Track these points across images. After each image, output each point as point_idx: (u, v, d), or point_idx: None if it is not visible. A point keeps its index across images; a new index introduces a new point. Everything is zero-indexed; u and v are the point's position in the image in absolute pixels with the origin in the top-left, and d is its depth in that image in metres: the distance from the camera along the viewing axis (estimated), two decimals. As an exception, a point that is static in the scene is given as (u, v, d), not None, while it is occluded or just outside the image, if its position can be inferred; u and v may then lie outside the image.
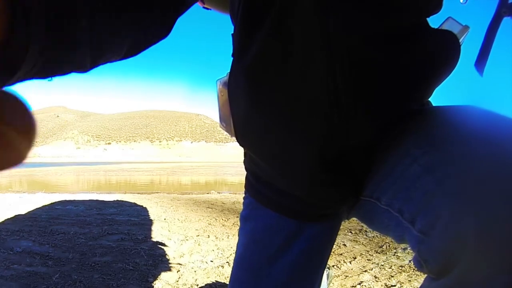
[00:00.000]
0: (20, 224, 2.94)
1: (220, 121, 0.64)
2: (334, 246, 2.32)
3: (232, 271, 0.62)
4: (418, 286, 1.57)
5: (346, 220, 0.60)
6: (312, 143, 0.46)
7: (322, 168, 0.47)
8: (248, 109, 0.50)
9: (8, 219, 3.16)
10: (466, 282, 0.32)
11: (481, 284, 0.30)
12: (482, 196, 0.30)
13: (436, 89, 0.50)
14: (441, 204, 0.33)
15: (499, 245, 0.29)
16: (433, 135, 0.39)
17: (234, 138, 0.59)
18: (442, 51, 0.46)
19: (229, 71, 0.53)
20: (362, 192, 0.49)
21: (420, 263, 0.38)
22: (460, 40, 0.49)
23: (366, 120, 0.44)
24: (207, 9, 0.87)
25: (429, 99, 0.52)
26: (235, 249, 1.95)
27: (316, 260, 0.57)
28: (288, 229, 0.55)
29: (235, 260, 0.62)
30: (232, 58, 0.52)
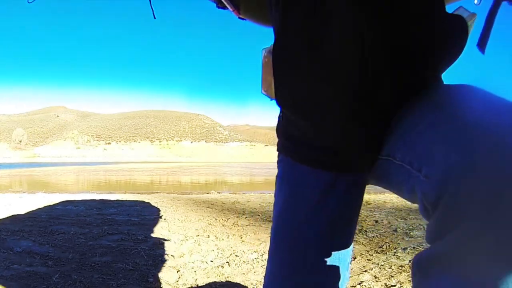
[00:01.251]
0: (20, 224, 2.94)
1: (262, 86, 0.71)
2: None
3: (272, 229, 0.68)
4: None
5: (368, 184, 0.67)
6: (344, 100, 0.55)
7: (351, 121, 0.56)
8: (289, 75, 0.60)
9: (8, 219, 3.16)
10: (454, 204, 0.39)
11: (464, 204, 0.38)
12: (469, 140, 0.39)
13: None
14: (440, 149, 0.41)
15: (479, 174, 0.36)
16: (439, 102, 0.49)
17: (271, 97, 0.66)
18: (453, 30, 0.56)
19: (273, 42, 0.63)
20: (381, 153, 0.56)
21: (424, 207, 0.43)
22: (469, 24, 0.58)
23: (389, 83, 0.54)
24: (242, 19, 0.96)
25: (442, 77, 0.61)
26: (235, 249, 1.96)
27: (351, 212, 0.64)
28: (324, 181, 0.61)
29: (275, 217, 0.67)
30: (274, 34, 0.63)
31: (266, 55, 0.68)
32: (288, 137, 0.67)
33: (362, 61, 0.51)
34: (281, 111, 0.69)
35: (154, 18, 1.02)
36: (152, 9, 1.02)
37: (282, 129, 0.68)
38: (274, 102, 0.66)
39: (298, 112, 0.61)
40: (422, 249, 2.11)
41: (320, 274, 0.63)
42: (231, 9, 0.91)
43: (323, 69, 0.54)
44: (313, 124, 0.60)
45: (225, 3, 0.87)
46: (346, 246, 0.65)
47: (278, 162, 0.71)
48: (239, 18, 0.94)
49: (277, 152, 0.71)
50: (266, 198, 5.22)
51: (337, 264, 0.64)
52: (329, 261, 0.63)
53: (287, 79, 0.60)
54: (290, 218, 0.64)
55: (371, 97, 0.53)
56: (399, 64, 0.53)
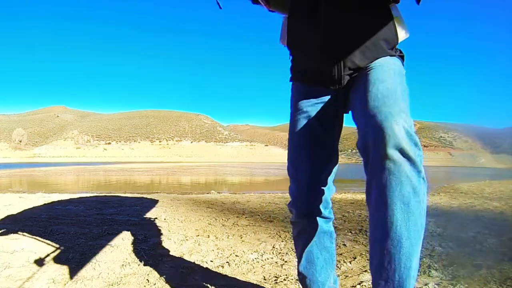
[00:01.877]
0: (20, 224, 2.94)
1: (280, 38, 1.19)
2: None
3: (288, 142, 1.12)
4: (418, 286, 1.57)
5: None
6: (318, 43, 1.01)
7: (323, 53, 1.01)
8: (293, 31, 1.11)
9: (8, 219, 3.16)
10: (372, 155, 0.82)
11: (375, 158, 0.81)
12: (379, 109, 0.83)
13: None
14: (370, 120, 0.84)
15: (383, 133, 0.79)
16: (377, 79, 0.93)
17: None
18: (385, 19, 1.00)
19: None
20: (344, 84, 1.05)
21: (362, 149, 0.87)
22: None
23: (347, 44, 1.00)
24: (272, 11, 1.26)
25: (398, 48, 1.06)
26: (235, 249, 1.96)
27: (334, 121, 1.09)
28: (314, 93, 1.08)
29: (289, 133, 1.12)
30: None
31: (284, 20, 1.18)
32: (295, 69, 1.15)
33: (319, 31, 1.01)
34: (290, 55, 1.16)
35: (220, 8, 1.19)
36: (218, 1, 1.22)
37: (293, 65, 1.16)
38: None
39: (299, 52, 1.11)
40: (422, 249, 2.09)
41: (323, 167, 1.09)
42: (263, 4, 1.20)
43: (307, 31, 1.05)
44: (308, 58, 1.08)
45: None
46: (330, 156, 1.09)
47: (291, 90, 1.17)
48: (269, 11, 1.23)
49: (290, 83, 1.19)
50: (266, 198, 5.22)
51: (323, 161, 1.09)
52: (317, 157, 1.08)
53: (293, 32, 1.11)
54: (299, 131, 1.08)
55: (329, 44, 1.00)
56: (351, 39, 1.00)
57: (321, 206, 1.08)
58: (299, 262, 1.13)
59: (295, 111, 1.10)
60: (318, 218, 1.09)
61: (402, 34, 1.01)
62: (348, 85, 1.01)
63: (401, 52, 1.05)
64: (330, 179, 1.09)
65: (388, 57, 0.99)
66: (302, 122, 1.07)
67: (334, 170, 1.10)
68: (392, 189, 0.77)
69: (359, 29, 0.97)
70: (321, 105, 1.06)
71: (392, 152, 0.76)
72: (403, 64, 1.03)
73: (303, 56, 1.09)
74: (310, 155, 1.05)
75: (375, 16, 0.98)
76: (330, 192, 1.11)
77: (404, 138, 0.76)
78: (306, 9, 1.03)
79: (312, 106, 1.06)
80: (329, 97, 1.05)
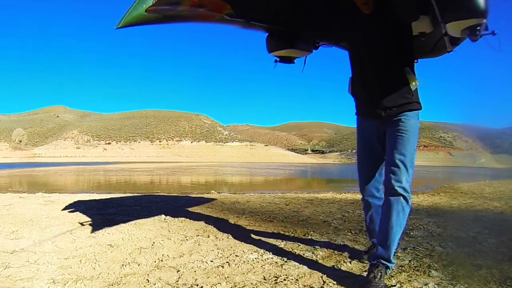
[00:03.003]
0: (20, 224, 2.94)
1: (348, 89, 1.85)
2: (334, 246, 2.31)
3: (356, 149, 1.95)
4: (418, 286, 1.57)
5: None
6: (368, 95, 1.79)
7: (371, 101, 1.76)
8: (353, 82, 1.86)
9: (8, 219, 3.16)
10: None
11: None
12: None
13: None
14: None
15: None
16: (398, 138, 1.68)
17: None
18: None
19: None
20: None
21: None
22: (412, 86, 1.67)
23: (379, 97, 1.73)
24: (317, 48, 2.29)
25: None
26: (235, 249, 1.96)
27: (382, 141, 1.76)
28: (368, 122, 1.81)
29: (356, 144, 1.94)
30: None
31: (349, 79, 1.87)
32: (356, 107, 1.84)
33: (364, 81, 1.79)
34: (354, 100, 1.86)
35: (302, 71, 2.09)
36: (304, 64, 2.19)
37: (355, 105, 1.84)
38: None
39: (356, 98, 1.85)
40: (422, 249, 2.11)
41: (376, 168, 1.82)
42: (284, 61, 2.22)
43: (359, 82, 1.80)
44: (360, 102, 1.84)
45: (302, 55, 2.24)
46: (379, 160, 1.81)
47: (356, 119, 1.88)
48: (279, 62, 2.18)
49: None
50: (266, 198, 5.22)
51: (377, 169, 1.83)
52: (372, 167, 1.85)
53: (353, 85, 1.84)
54: (362, 147, 1.87)
55: (378, 95, 1.71)
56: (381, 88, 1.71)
57: (374, 191, 1.86)
58: (365, 221, 1.98)
59: (359, 132, 1.89)
60: (373, 198, 1.87)
61: (413, 84, 1.64)
62: (386, 118, 1.70)
63: (417, 93, 1.68)
64: (379, 173, 1.83)
65: (411, 115, 1.66)
66: (361, 138, 1.88)
67: (381, 166, 1.80)
68: (393, 207, 1.64)
69: (386, 87, 1.69)
70: (371, 128, 1.80)
71: (397, 193, 1.63)
72: (419, 109, 1.70)
73: (359, 102, 1.86)
74: (367, 160, 1.86)
75: (395, 77, 1.67)
76: (380, 181, 1.83)
77: (403, 192, 1.62)
78: (358, 76, 1.82)
79: (366, 128, 1.84)
80: (375, 124, 1.78)
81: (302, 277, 1.75)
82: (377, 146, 1.78)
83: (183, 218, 3.27)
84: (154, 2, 1.50)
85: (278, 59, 2.23)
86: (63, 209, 3.80)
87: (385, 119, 1.69)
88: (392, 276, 1.75)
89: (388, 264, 1.64)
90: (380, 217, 1.71)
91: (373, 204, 1.87)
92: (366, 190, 1.86)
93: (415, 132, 1.65)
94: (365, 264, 1.93)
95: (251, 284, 1.67)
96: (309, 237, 2.56)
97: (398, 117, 1.64)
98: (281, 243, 2.38)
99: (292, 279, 1.71)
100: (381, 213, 1.70)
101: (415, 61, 1.88)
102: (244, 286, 1.64)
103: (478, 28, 1.43)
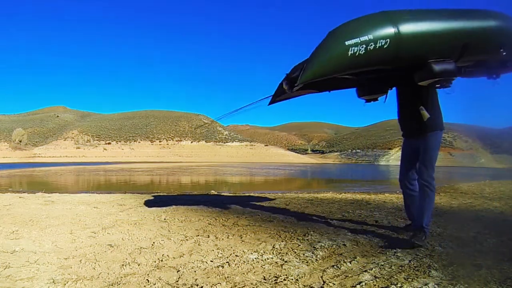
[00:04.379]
0: (20, 224, 2.94)
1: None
2: (334, 246, 2.31)
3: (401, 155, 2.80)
4: (418, 286, 1.57)
5: None
6: (404, 124, 2.69)
7: (408, 128, 2.67)
8: (398, 113, 2.74)
9: (8, 219, 3.16)
10: None
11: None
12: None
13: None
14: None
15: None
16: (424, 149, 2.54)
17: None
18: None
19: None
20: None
21: None
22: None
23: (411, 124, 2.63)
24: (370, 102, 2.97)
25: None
26: (235, 249, 1.97)
27: (417, 153, 2.54)
28: (410, 142, 2.65)
29: (401, 152, 2.82)
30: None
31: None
32: (401, 130, 2.72)
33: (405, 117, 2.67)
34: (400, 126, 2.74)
35: (384, 102, 2.85)
36: (386, 97, 2.83)
37: (401, 130, 2.71)
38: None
39: (400, 123, 2.71)
40: (422, 249, 2.10)
41: (410, 169, 2.66)
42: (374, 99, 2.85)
43: (400, 116, 2.69)
44: (402, 126, 2.70)
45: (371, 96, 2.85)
46: (415, 161, 2.59)
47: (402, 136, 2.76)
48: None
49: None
50: (266, 198, 5.22)
51: (413, 169, 2.62)
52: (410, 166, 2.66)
53: (398, 115, 2.71)
54: (403, 155, 2.74)
55: (409, 124, 2.63)
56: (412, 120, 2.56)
57: (407, 182, 2.63)
58: (405, 203, 2.76)
59: (403, 147, 2.73)
60: (410, 187, 2.63)
61: (426, 116, 2.39)
62: (417, 137, 2.51)
63: (436, 118, 2.45)
64: (412, 172, 2.60)
65: (430, 134, 2.45)
66: (404, 147, 2.69)
67: (416, 165, 2.54)
68: (422, 194, 2.47)
69: (414, 117, 2.46)
70: (410, 143, 2.61)
71: (424, 183, 2.44)
72: (441, 130, 2.50)
73: (402, 126, 2.67)
74: (406, 161, 2.66)
75: (415, 113, 2.45)
76: (415, 175, 2.56)
77: (427, 184, 2.43)
78: (398, 107, 2.65)
79: (408, 143, 2.65)
80: (414, 140, 2.55)
81: (302, 277, 1.75)
82: (411, 153, 2.61)
83: (183, 218, 3.27)
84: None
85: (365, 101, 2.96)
86: (63, 209, 3.80)
87: (416, 138, 2.53)
88: (392, 276, 1.75)
89: (423, 228, 2.37)
90: (419, 200, 2.51)
91: (410, 191, 2.65)
92: (403, 181, 2.67)
93: (433, 145, 2.45)
94: (365, 264, 1.93)
95: (251, 284, 1.67)
96: (309, 237, 2.56)
97: (423, 136, 2.46)
98: (281, 243, 2.38)
99: (292, 279, 1.71)
100: (419, 197, 2.51)
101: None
102: (244, 286, 1.64)
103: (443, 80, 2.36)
